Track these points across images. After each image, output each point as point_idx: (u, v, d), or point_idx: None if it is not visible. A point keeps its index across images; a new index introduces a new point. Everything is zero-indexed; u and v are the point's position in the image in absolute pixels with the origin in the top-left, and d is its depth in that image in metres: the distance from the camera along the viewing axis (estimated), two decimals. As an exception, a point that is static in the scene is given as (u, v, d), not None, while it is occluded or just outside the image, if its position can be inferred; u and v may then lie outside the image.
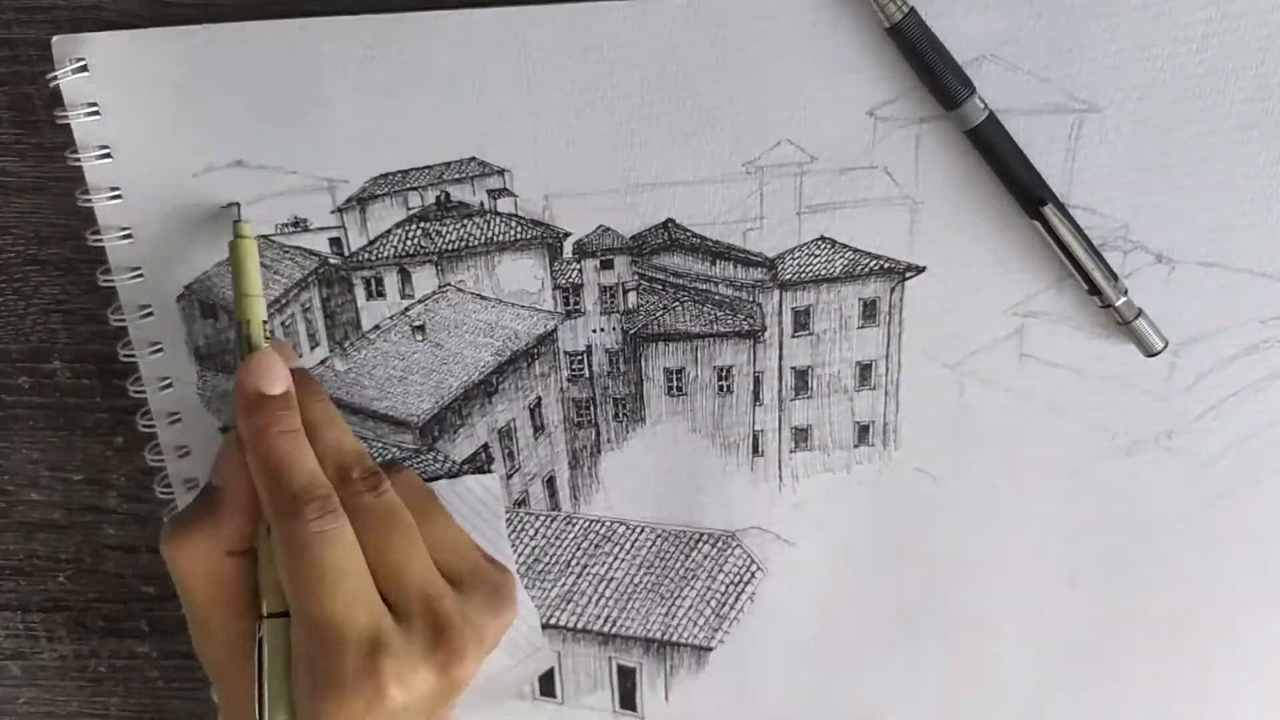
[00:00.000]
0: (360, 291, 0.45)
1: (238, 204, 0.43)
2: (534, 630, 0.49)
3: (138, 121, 0.42)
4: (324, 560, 0.38)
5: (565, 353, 0.46)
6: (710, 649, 0.50)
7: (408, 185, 0.43)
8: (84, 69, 0.41)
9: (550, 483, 0.48)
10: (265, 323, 0.41)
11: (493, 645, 0.41)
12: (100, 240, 0.44)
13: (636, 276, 0.45)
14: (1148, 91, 0.41)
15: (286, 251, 0.44)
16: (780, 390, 0.46)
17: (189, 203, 0.43)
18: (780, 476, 0.47)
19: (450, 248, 0.44)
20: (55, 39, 0.41)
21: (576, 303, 0.45)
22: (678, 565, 0.48)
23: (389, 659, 0.38)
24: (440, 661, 0.39)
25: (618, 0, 0.40)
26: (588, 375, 0.46)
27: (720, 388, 0.46)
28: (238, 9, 0.41)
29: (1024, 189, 0.41)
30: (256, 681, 0.39)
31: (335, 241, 0.44)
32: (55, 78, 0.41)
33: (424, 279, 0.45)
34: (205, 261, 0.44)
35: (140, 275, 0.44)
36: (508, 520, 0.49)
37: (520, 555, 0.49)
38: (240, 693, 0.40)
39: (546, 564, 0.49)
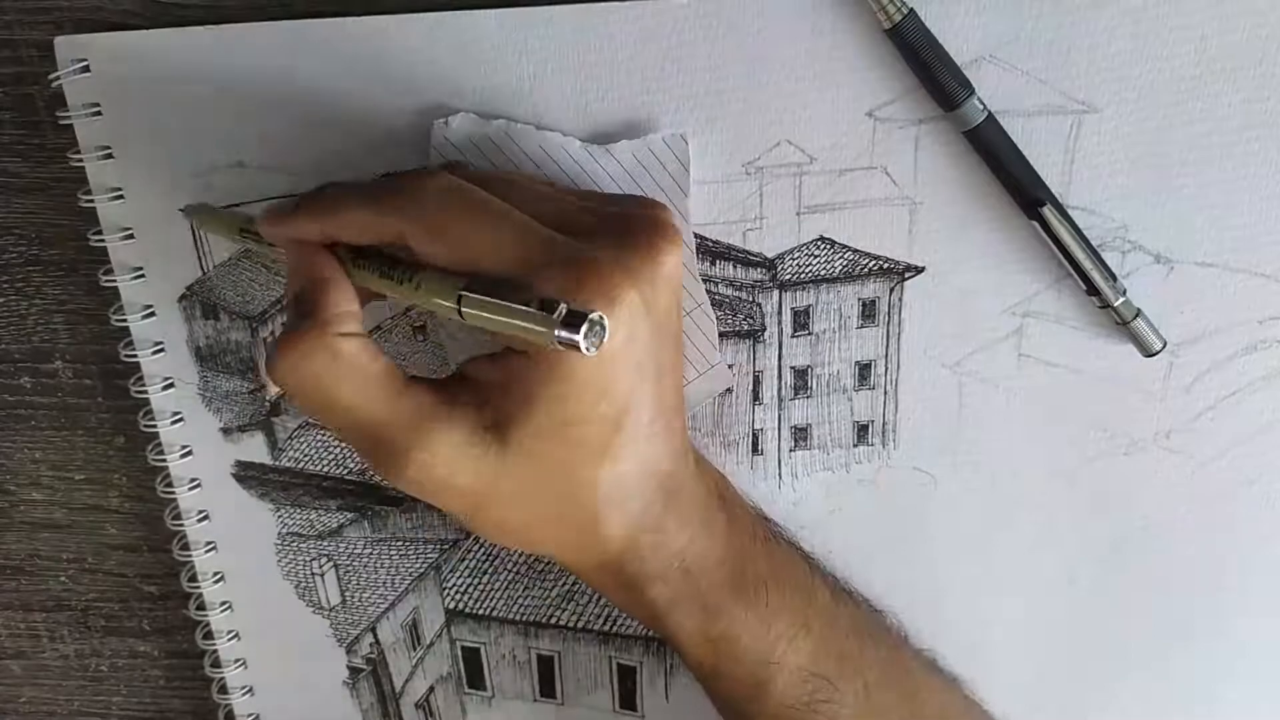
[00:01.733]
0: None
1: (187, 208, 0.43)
2: (710, 337, 0.45)
3: (139, 122, 0.42)
4: (466, 206, 0.33)
5: (565, 353, 0.46)
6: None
7: (408, 186, 0.43)
8: (86, 70, 0.42)
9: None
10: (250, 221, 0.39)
11: (679, 234, 0.36)
12: (102, 240, 0.44)
13: (636, 277, 0.45)
14: (1146, 92, 0.41)
15: (288, 252, 0.44)
16: (779, 389, 0.46)
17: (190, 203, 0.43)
18: (779, 475, 0.47)
19: (451, 248, 0.44)
20: (57, 40, 0.41)
21: (577, 303, 0.45)
22: (678, 565, 0.48)
23: (600, 255, 0.33)
24: (648, 249, 0.34)
25: (618, 1, 0.40)
26: (588, 375, 0.46)
27: (720, 388, 0.46)
28: (239, 10, 0.41)
29: (1023, 189, 0.41)
30: (512, 325, 0.32)
31: (336, 242, 0.44)
32: (57, 78, 0.41)
33: (425, 279, 0.45)
34: (207, 262, 0.44)
35: (142, 275, 0.44)
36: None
37: (520, 554, 0.49)
38: (482, 492, 0.35)
39: (547, 563, 0.49)
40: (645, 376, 0.35)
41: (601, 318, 0.30)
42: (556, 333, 0.30)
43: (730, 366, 0.45)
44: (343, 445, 0.47)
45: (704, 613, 0.40)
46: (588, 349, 0.30)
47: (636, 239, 0.35)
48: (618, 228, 0.35)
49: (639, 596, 0.39)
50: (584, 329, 0.30)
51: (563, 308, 0.30)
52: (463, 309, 0.33)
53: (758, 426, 0.47)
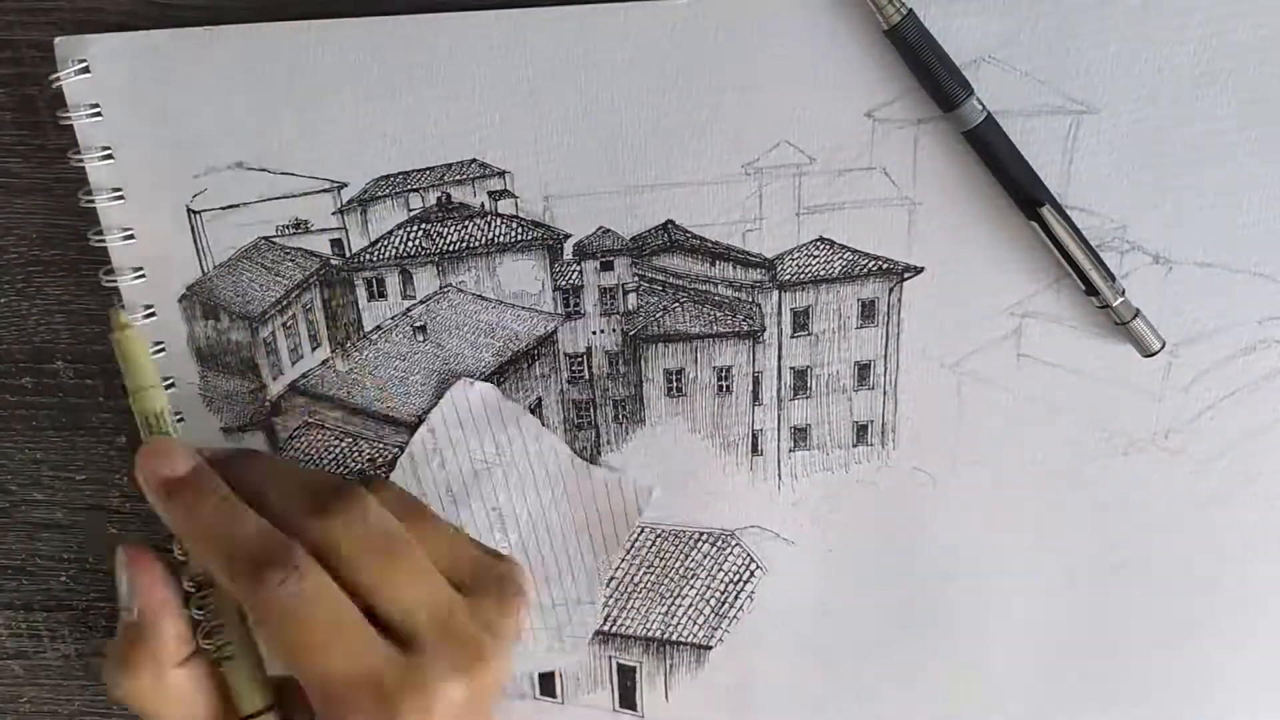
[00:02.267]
0: (362, 292, 0.45)
1: (115, 295, 0.43)
2: (586, 629, 0.49)
3: (139, 122, 0.42)
4: (311, 619, 0.35)
5: (565, 354, 0.46)
6: (710, 648, 0.50)
7: (409, 187, 0.43)
8: (86, 70, 0.42)
9: (550, 482, 0.48)
10: (173, 411, 0.40)
11: (515, 638, 0.40)
12: (103, 241, 0.44)
13: (636, 278, 0.45)
14: (1145, 93, 0.41)
15: (288, 253, 0.45)
16: (779, 390, 0.46)
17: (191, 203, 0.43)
18: (779, 476, 0.47)
19: (451, 249, 0.45)
20: (57, 40, 0.41)
21: (577, 304, 0.45)
22: (677, 564, 0.49)
23: (405, 697, 0.36)
24: (466, 676, 0.37)
25: (618, 2, 0.40)
26: (588, 377, 0.46)
27: (720, 388, 0.46)
28: (239, 11, 0.41)
29: (1021, 190, 0.41)
30: None
31: (336, 243, 0.45)
32: (58, 79, 0.42)
33: (425, 280, 0.45)
34: (207, 262, 0.44)
35: (143, 275, 0.44)
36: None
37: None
38: None
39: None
40: None
41: None
42: None
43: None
44: (342, 445, 0.47)
45: None
46: None
47: (461, 658, 0.37)
48: (454, 642, 0.37)
49: None
50: None
51: None
52: None
53: (757, 427, 0.47)
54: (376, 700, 0.36)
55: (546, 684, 0.51)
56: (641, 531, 0.48)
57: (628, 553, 0.49)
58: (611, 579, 0.49)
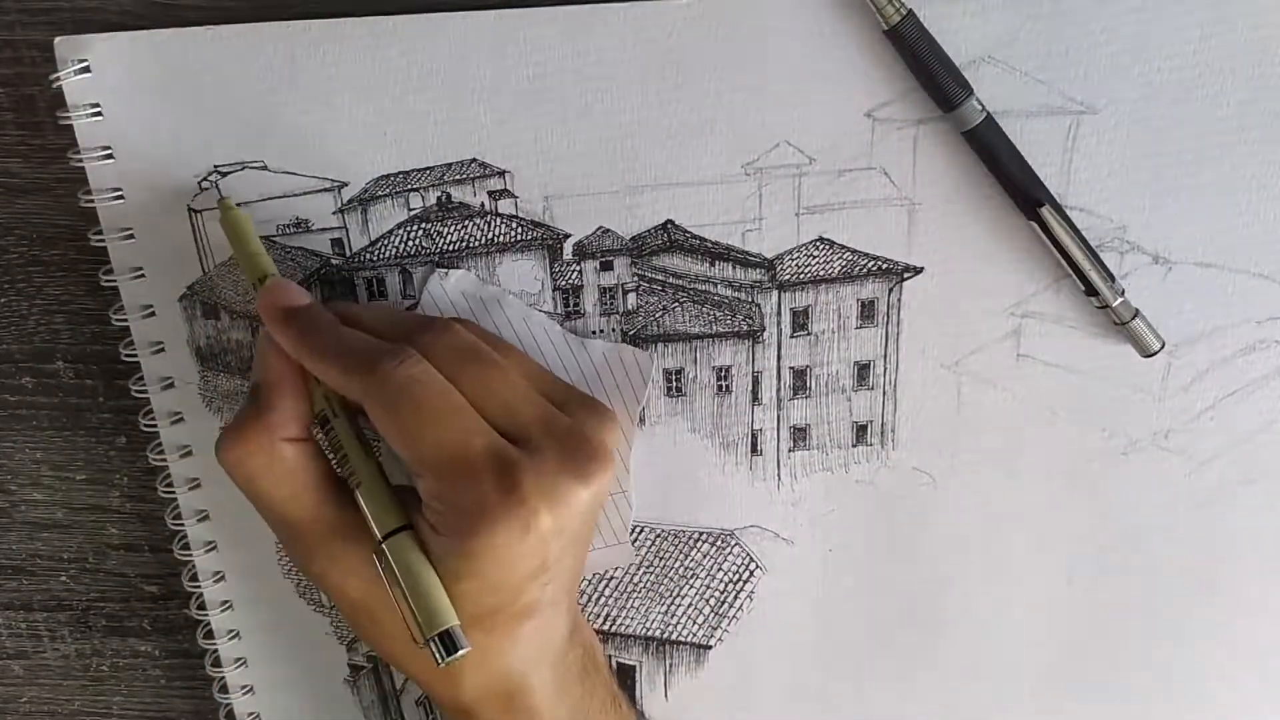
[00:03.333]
0: (362, 292, 0.45)
1: (215, 182, 0.43)
2: (625, 521, 0.47)
3: (139, 122, 0.42)
4: (423, 400, 0.36)
5: (565, 353, 0.46)
6: (709, 647, 0.50)
7: (409, 186, 0.44)
8: (86, 70, 0.42)
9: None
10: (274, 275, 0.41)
11: (612, 458, 0.40)
12: (102, 240, 0.44)
13: (636, 278, 0.45)
14: (1145, 93, 0.41)
15: (288, 252, 0.45)
16: (779, 390, 0.46)
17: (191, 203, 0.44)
18: (779, 475, 0.47)
19: (451, 249, 0.45)
20: (57, 40, 0.41)
21: (576, 304, 0.45)
22: (677, 564, 0.49)
23: (528, 475, 0.36)
24: (578, 472, 0.37)
25: (618, 2, 0.40)
26: (587, 375, 0.46)
27: (719, 388, 0.46)
28: (239, 10, 0.41)
29: (1021, 190, 0.41)
30: (403, 604, 0.37)
31: (337, 242, 0.45)
32: (57, 79, 0.42)
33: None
34: (207, 262, 0.45)
35: (142, 275, 0.45)
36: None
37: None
38: (366, 606, 0.39)
39: (546, 563, 0.49)
40: (540, 579, 0.38)
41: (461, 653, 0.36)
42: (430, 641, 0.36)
43: (634, 544, 0.48)
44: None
45: None
46: (440, 663, 0.36)
47: (574, 459, 0.37)
48: (564, 442, 0.38)
49: None
50: (441, 657, 0.36)
51: (434, 637, 0.36)
52: (381, 551, 0.38)
53: (757, 427, 0.47)
54: (500, 471, 0.36)
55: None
56: (641, 531, 0.48)
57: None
58: (611, 579, 0.49)
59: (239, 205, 0.43)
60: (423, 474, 0.37)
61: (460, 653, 0.36)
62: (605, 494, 0.39)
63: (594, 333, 0.46)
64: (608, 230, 0.44)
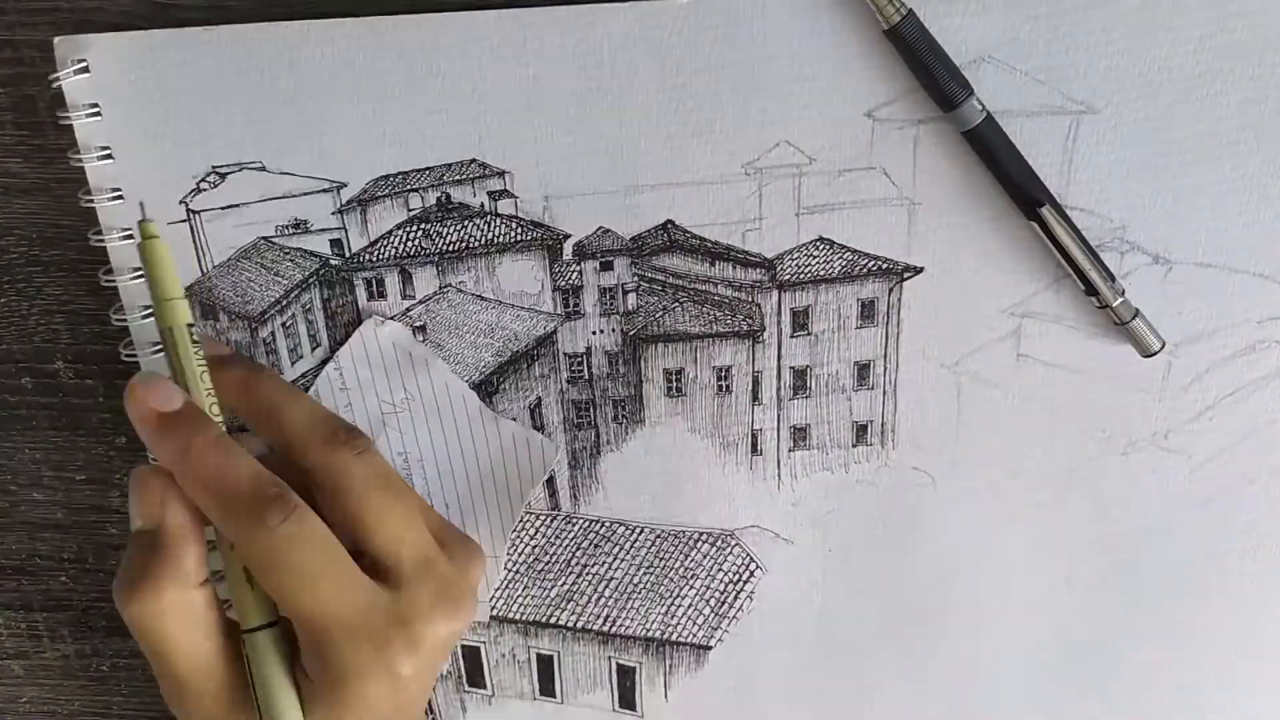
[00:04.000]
0: (361, 292, 0.45)
1: (140, 204, 0.40)
2: (486, 585, 0.49)
3: (139, 122, 0.42)
4: (303, 560, 0.36)
5: (565, 354, 0.46)
6: (709, 648, 0.50)
7: (408, 187, 0.43)
8: (85, 70, 0.42)
9: (550, 483, 0.48)
10: (191, 325, 0.38)
11: (476, 595, 0.41)
12: (102, 241, 0.44)
13: (636, 278, 0.45)
14: (1145, 93, 0.41)
15: (287, 253, 0.45)
16: (779, 390, 0.46)
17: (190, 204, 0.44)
18: (779, 475, 0.47)
19: (451, 249, 0.45)
20: (57, 40, 0.41)
21: (576, 304, 0.45)
22: (677, 564, 0.49)
23: (396, 630, 0.37)
24: (448, 613, 0.38)
25: (618, 2, 0.40)
26: (587, 377, 0.46)
27: (719, 388, 0.46)
28: (239, 11, 0.41)
29: (1021, 190, 0.41)
30: (253, 694, 0.38)
31: (336, 243, 0.45)
32: (57, 79, 0.42)
33: (425, 280, 0.45)
34: (206, 263, 0.44)
35: (141, 276, 0.44)
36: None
37: (520, 555, 0.49)
38: None
39: (546, 564, 0.49)
40: (396, 718, 0.39)
41: None
42: None
43: (633, 546, 0.49)
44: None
45: None
46: None
47: (447, 600, 0.39)
48: (440, 583, 0.39)
49: None
50: None
51: None
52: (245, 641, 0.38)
53: (757, 427, 0.47)
54: (369, 636, 0.37)
55: (546, 684, 0.51)
56: (641, 532, 0.48)
57: (626, 552, 0.49)
58: (611, 580, 0.49)
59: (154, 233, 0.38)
60: (297, 627, 0.37)
61: None
62: (462, 631, 0.40)
63: (593, 333, 0.46)
64: (608, 230, 0.44)
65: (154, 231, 0.38)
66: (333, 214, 0.44)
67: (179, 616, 0.37)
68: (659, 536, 0.48)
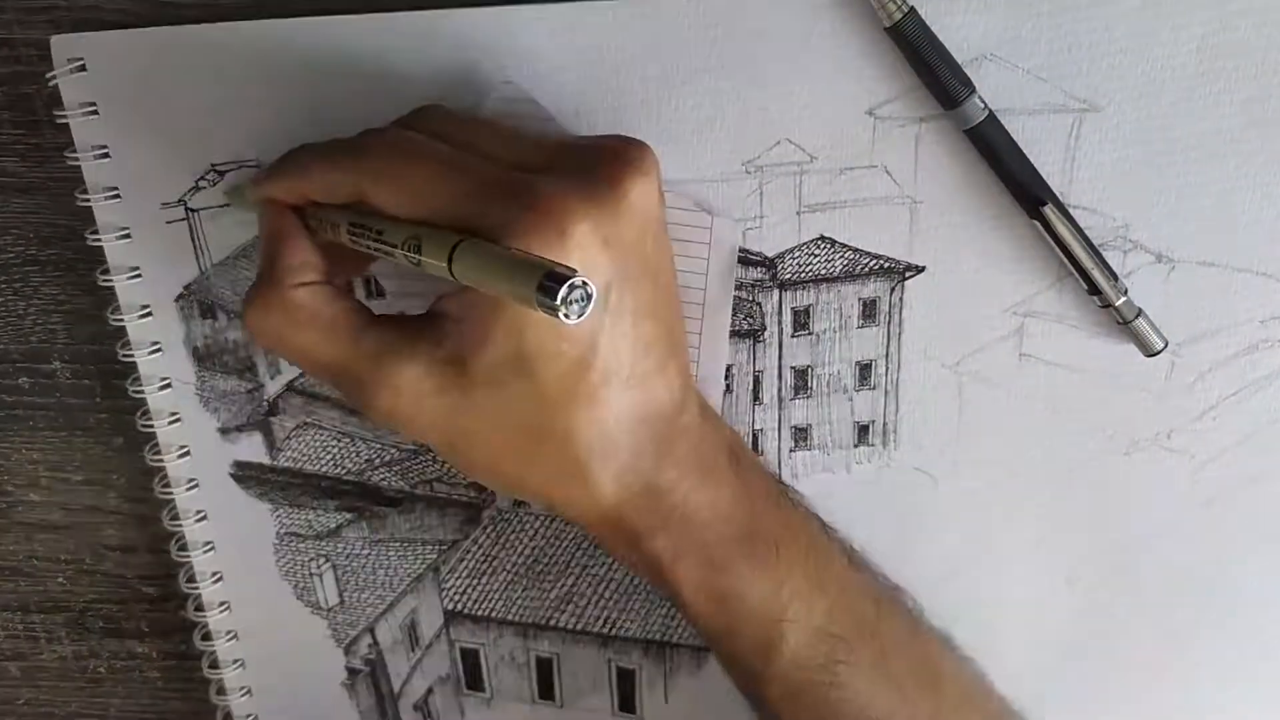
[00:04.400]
0: (360, 292, 0.45)
1: (213, 182, 0.42)
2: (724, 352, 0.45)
3: (136, 121, 0.42)
4: (418, 153, 0.34)
5: (565, 353, 0.46)
6: (710, 650, 0.50)
7: (407, 185, 0.43)
8: (82, 69, 0.41)
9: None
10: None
11: (653, 170, 0.36)
12: (99, 240, 0.44)
13: (636, 276, 0.45)
14: (1147, 91, 0.41)
15: (286, 251, 0.44)
16: (780, 390, 0.46)
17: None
18: (779, 475, 0.47)
19: (450, 248, 0.44)
20: (53, 39, 0.41)
21: (576, 303, 0.45)
22: (677, 565, 0.48)
23: (548, 189, 0.33)
24: (611, 179, 0.34)
25: (618, 1, 0.40)
26: (587, 375, 0.46)
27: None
28: (237, 9, 0.41)
29: (1024, 188, 0.41)
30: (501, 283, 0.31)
31: (335, 241, 0.44)
32: (53, 77, 0.41)
33: (423, 279, 0.45)
34: (204, 261, 0.44)
35: (139, 275, 0.44)
36: (505, 518, 0.48)
37: (519, 555, 0.49)
38: (456, 425, 0.35)
39: (546, 564, 0.49)
40: (615, 315, 0.34)
41: (585, 283, 0.29)
42: (536, 298, 0.29)
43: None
44: (340, 444, 0.47)
45: (709, 567, 0.38)
46: (566, 316, 0.29)
47: (597, 170, 0.34)
48: (579, 160, 0.35)
49: (641, 550, 0.38)
50: (561, 294, 0.28)
51: (539, 274, 0.29)
52: (453, 269, 0.32)
53: (758, 427, 0.46)
54: (514, 193, 0.33)
55: (545, 686, 0.51)
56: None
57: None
58: (611, 581, 0.49)
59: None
60: (441, 226, 0.33)
61: (573, 279, 0.29)
62: (652, 204, 0.34)
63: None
64: (607, 229, 0.44)
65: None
66: (331, 213, 0.44)
67: (286, 316, 0.36)
68: (659, 537, 0.48)
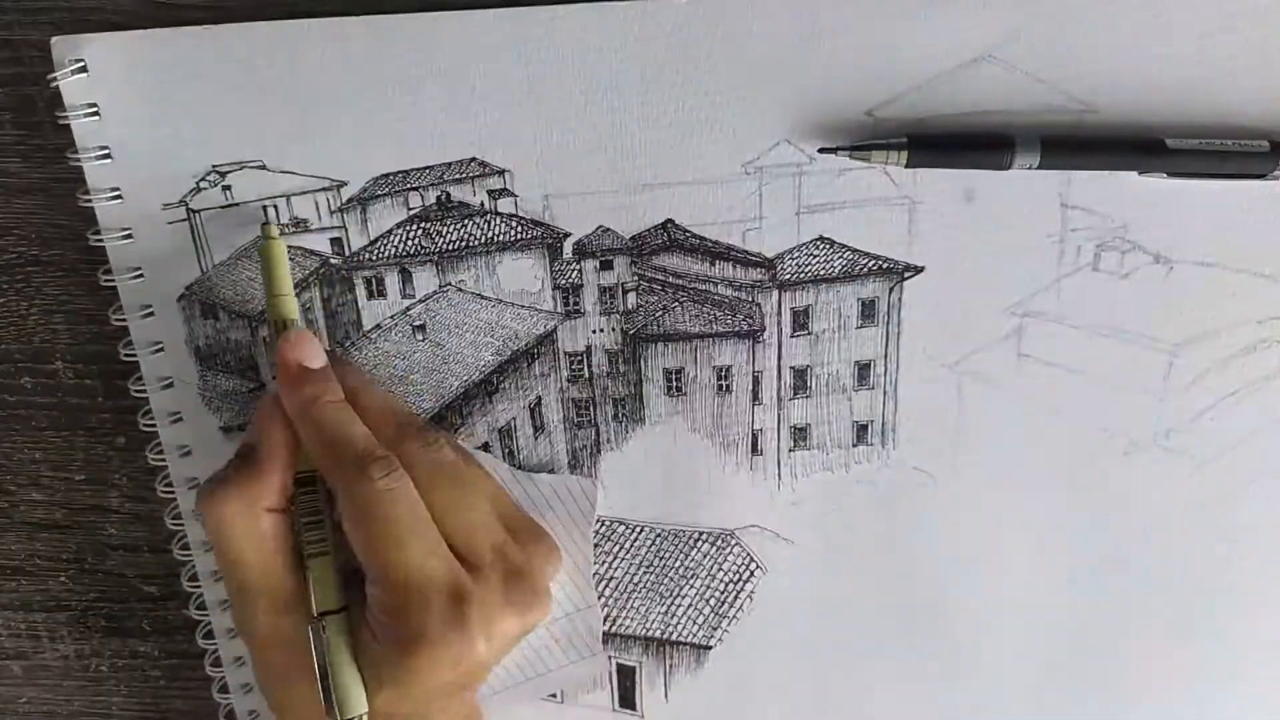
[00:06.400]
0: (361, 291, 0.45)
1: (264, 207, 0.43)
2: (594, 633, 0.49)
3: (137, 122, 0.42)
4: (396, 516, 0.38)
5: (565, 353, 0.46)
6: (709, 647, 0.50)
7: (408, 185, 0.43)
8: (83, 70, 0.41)
9: (550, 482, 0.48)
10: (295, 320, 0.42)
11: (549, 594, 0.43)
12: (101, 240, 0.44)
13: (636, 277, 0.45)
14: (1146, 92, 0.41)
15: (288, 252, 0.44)
16: (779, 390, 0.46)
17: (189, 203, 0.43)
18: (779, 475, 0.47)
19: (451, 248, 0.45)
20: (55, 40, 0.41)
21: (576, 303, 0.45)
22: (677, 564, 0.49)
23: (473, 607, 0.39)
24: (518, 607, 0.40)
25: (618, 1, 0.40)
26: (587, 375, 0.46)
27: (719, 387, 0.46)
28: (238, 9, 0.41)
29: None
30: (320, 680, 0.40)
31: (336, 242, 0.45)
32: (55, 79, 0.41)
33: (425, 279, 0.45)
34: (206, 262, 0.44)
35: (141, 275, 0.44)
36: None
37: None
38: (294, 685, 0.41)
39: (546, 563, 0.49)
40: (457, 697, 0.41)
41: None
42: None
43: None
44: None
45: None
46: None
47: (519, 594, 0.41)
48: (511, 577, 0.41)
49: None
50: None
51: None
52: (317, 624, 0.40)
53: (757, 426, 0.47)
54: (451, 600, 0.39)
55: (546, 684, 0.51)
56: (642, 531, 0.48)
57: (626, 552, 0.48)
58: (611, 579, 0.49)
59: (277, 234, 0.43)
60: (377, 584, 0.39)
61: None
62: (533, 628, 0.41)
63: (593, 332, 0.45)
64: (608, 229, 0.44)
65: (275, 233, 0.43)
66: (333, 213, 0.44)
67: (246, 529, 0.40)
68: (659, 536, 0.48)
